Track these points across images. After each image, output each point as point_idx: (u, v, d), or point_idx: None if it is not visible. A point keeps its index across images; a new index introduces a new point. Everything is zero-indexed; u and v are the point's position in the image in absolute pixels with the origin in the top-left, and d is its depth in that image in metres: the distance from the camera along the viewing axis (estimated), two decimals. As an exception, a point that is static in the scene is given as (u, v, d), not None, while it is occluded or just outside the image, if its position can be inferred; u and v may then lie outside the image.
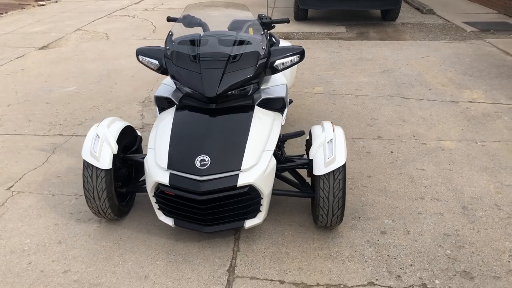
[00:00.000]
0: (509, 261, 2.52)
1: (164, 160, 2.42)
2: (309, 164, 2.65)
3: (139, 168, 2.96)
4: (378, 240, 2.70)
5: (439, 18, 8.92)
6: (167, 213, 2.57)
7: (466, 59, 6.21)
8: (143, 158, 2.78)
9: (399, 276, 2.43)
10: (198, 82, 2.54)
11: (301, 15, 8.68)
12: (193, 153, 2.39)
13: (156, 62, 2.76)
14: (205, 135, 2.47)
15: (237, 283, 2.39)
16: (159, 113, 2.92)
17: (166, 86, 2.98)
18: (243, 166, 2.39)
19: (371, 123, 4.28)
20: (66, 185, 3.31)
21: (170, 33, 2.78)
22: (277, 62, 2.71)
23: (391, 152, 3.74)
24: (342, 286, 2.37)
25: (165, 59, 2.74)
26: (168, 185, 2.37)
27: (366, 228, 2.81)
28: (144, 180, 2.91)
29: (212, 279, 2.43)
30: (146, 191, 2.76)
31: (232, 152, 2.42)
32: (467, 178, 3.34)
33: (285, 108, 2.91)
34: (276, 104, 2.84)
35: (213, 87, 2.53)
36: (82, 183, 2.79)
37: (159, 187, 2.44)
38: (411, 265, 2.50)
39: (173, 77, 2.68)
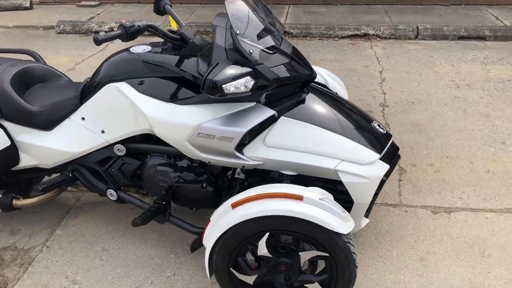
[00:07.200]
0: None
1: (368, 154, 2.06)
2: None
3: None
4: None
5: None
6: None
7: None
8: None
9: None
10: (300, 69, 2.09)
11: None
12: (369, 127, 2.19)
13: (250, 78, 1.90)
14: (349, 111, 2.23)
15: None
16: (243, 149, 2.05)
17: (219, 120, 2.02)
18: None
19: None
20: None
21: (237, 33, 1.96)
22: None
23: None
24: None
25: (259, 68, 1.95)
26: (389, 167, 2.10)
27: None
28: None
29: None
30: None
31: (367, 113, 2.36)
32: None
33: None
34: None
35: (309, 66, 2.13)
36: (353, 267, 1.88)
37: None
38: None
39: (279, 81, 2.01)
